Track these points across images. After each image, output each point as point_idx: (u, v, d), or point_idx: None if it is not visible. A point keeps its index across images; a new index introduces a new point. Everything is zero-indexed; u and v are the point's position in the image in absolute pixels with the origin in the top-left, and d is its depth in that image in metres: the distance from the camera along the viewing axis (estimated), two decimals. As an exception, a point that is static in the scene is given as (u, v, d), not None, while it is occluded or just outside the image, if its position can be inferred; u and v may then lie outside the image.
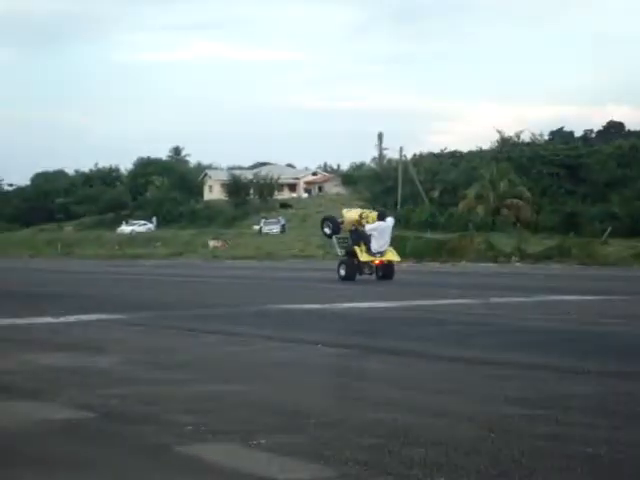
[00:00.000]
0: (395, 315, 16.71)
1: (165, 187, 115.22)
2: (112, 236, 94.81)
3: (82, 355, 11.16)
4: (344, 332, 13.57)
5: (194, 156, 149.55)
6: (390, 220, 30.53)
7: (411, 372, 9.83)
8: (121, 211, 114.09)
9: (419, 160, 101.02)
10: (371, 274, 29.47)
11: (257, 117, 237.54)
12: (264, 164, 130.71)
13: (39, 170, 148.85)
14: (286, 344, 12.32)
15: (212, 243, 77.47)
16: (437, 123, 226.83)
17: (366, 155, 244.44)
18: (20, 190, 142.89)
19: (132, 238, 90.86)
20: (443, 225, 74.83)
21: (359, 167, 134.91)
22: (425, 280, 30.77)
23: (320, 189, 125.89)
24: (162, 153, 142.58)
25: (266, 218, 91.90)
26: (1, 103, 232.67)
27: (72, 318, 15.90)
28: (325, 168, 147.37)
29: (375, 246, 29.18)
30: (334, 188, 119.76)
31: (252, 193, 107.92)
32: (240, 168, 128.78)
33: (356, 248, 29.24)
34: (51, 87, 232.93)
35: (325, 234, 32.06)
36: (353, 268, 29.36)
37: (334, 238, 31.15)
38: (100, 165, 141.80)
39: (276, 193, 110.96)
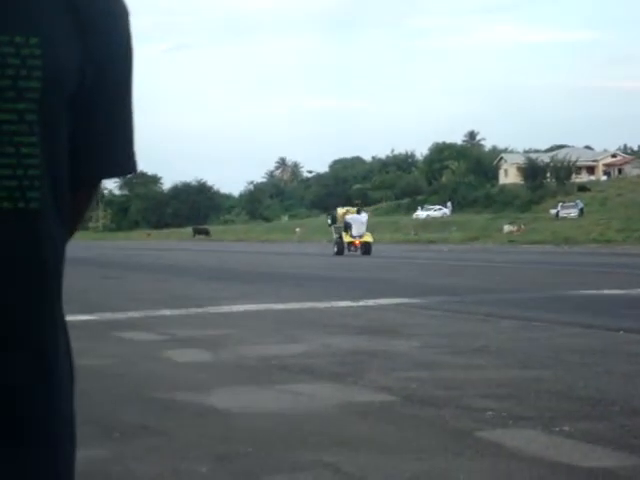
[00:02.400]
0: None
1: (460, 172, 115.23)
2: (408, 221, 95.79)
3: (381, 338, 11.33)
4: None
5: (489, 140, 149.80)
6: (364, 214, 44.18)
7: None
8: (417, 196, 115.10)
9: None
10: (356, 251, 42.28)
11: (555, 99, 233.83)
12: (561, 147, 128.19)
13: (337, 157, 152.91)
14: (586, 330, 12.04)
15: (507, 228, 76.72)
16: None
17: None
18: (319, 177, 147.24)
19: (427, 223, 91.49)
20: None
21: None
22: None
23: (620, 171, 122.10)
24: (457, 138, 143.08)
25: (563, 202, 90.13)
26: (301, 90, 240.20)
27: (371, 302, 16.19)
28: (625, 150, 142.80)
29: (354, 232, 42.57)
30: (634, 170, 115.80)
31: (549, 176, 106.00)
32: (536, 151, 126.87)
33: (343, 233, 43.00)
34: (349, 74, 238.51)
35: (328, 224, 47.85)
36: (341, 247, 42.78)
37: (332, 227, 45.65)
38: (396, 151, 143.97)
39: (574, 176, 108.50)
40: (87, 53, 1.37)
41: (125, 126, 1.47)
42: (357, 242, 42.47)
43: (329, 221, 47.47)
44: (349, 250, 42.39)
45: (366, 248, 42.20)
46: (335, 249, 42.94)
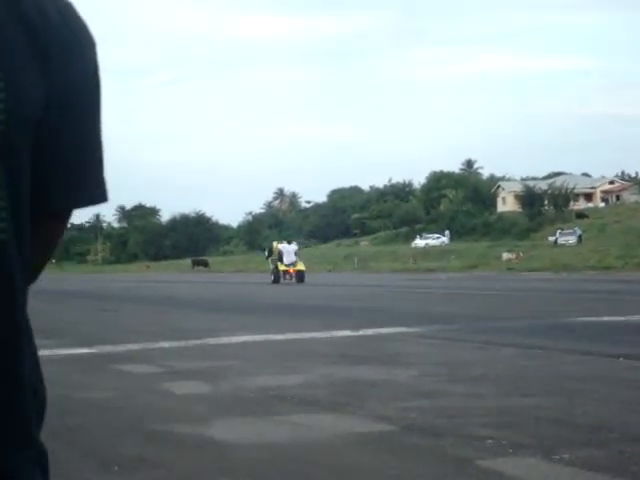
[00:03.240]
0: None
1: (458, 200, 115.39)
2: (407, 250, 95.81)
3: (380, 368, 11.32)
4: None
5: (487, 168, 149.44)
6: (294, 245, 49.15)
7: None
8: (415, 225, 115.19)
9: None
10: (291, 279, 46.59)
11: (550, 127, 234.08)
12: (559, 174, 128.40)
13: (335, 187, 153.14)
14: (585, 357, 12.03)
15: (506, 255, 76.73)
16: None
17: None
18: (317, 207, 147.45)
19: (426, 251, 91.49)
20: None
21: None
22: None
23: (618, 198, 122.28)
24: (454, 166, 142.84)
25: (562, 229, 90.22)
26: (298, 121, 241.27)
27: (370, 331, 16.17)
28: (623, 176, 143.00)
29: (286, 260, 47.10)
30: (632, 196, 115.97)
31: (547, 204, 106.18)
32: (534, 179, 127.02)
33: (278, 263, 47.37)
34: (345, 104, 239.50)
35: (265, 257, 54.80)
36: (277, 275, 47.03)
37: (269, 259, 51.04)
38: (394, 180, 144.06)
39: (571, 203, 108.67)
40: (50, 83, 1.36)
41: (93, 156, 1.45)
42: (291, 270, 47.27)
43: (266, 254, 54.41)
44: (284, 278, 46.99)
45: (300, 276, 46.84)
46: (272, 278, 47.46)
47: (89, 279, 63.39)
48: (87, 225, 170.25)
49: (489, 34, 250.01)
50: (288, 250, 47.66)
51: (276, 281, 46.59)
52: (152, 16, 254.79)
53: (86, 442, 7.25)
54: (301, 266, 47.55)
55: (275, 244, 51.05)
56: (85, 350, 13.99)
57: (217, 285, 48.06)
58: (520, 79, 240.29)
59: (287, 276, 47.14)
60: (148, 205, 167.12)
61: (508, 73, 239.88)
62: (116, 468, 6.26)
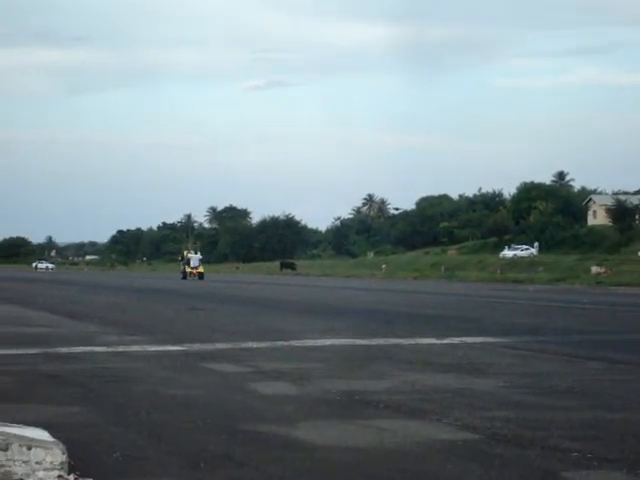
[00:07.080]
0: None
1: (548, 212, 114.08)
2: (494, 260, 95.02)
3: (466, 377, 11.30)
4: None
5: (578, 181, 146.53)
6: (198, 254, 71.50)
7: None
8: (504, 235, 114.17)
9: None
10: (194, 277, 66.11)
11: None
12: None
13: (424, 194, 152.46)
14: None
15: (595, 269, 75.69)
16: None
17: None
18: (405, 214, 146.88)
19: (514, 262, 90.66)
20: None
21: None
22: None
23: None
24: (546, 178, 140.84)
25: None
26: (384, 129, 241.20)
27: (456, 340, 16.14)
28: None
29: (192, 264, 68.30)
30: None
31: (638, 218, 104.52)
32: (626, 193, 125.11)
33: (186, 266, 68.74)
34: (435, 113, 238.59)
35: (179, 259, 77.78)
36: (185, 274, 67.36)
37: (181, 263, 71.68)
38: (483, 190, 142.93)
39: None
40: None
41: None
42: (194, 272, 67.73)
43: (180, 258, 76.43)
44: (190, 276, 66.76)
45: (200, 276, 66.99)
46: (181, 276, 67.30)
47: (179, 278, 64.64)
48: (179, 225, 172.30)
49: (586, 47, 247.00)
50: (194, 258, 69.38)
51: (184, 278, 66.07)
52: (242, 21, 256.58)
53: (173, 438, 7.39)
54: (201, 269, 68.85)
55: (186, 252, 73.09)
56: (175, 347, 14.21)
57: (303, 288, 48.31)
58: (614, 93, 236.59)
59: (192, 276, 66.75)
60: (239, 207, 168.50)
61: (603, 86, 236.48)
62: (202, 465, 6.38)
